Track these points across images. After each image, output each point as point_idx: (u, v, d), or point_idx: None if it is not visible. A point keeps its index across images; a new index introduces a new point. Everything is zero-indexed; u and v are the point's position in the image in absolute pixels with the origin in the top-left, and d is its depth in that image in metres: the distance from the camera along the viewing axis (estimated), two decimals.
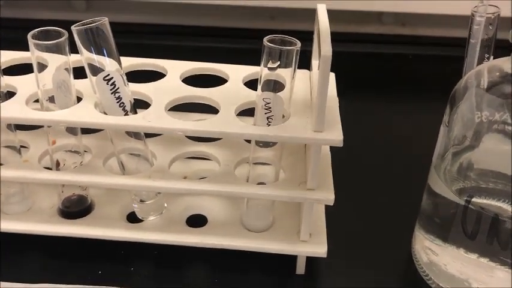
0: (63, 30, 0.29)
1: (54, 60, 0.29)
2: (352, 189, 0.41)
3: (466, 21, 0.32)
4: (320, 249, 0.32)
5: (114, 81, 0.29)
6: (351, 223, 0.38)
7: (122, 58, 0.30)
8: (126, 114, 0.30)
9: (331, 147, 0.35)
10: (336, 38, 0.70)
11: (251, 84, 0.34)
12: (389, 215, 0.38)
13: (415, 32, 0.66)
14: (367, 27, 0.66)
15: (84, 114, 0.30)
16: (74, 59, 0.30)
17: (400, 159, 0.44)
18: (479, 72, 0.30)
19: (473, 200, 0.30)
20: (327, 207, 0.35)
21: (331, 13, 0.67)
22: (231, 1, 0.61)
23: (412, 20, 0.66)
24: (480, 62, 0.32)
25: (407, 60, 0.62)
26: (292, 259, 0.34)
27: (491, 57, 0.32)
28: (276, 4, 0.61)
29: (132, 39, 0.62)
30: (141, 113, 0.30)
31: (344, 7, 0.61)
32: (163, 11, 0.64)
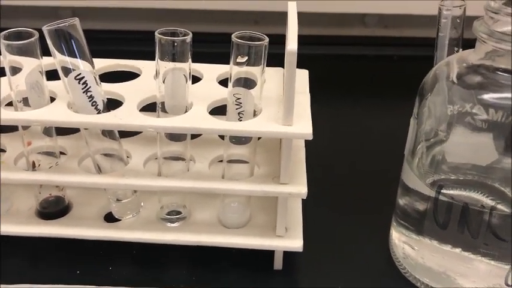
0: (34, 31, 0.29)
1: (27, 63, 0.30)
2: (331, 185, 0.41)
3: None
4: (295, 244, 0.32)
5: (86, 80, 0.29)
6: (329, 219, 0.38)
7: (97, 59, 0.31)
8: (98, 113, 0.30)
9: (309, 143, 0.35)
10: (320, 41, 0.70)
11: (226, 83, 0.34)
12: (368, 209, 0.39)
13: (398, 34, 0.67)
14: (350, 29, 0.67)
15: (57, 113, 0.30)
16: (47, 62, 0.31)
17: (380, 155, 0.44)
18: (448, 64, 0.31)
19: (444, 191, 0.30)
20: (304, 203, 0.35)
21: (315, 16, 0.67)
22: (214, 5, 0.61)
23: (395, 21, 0.66)
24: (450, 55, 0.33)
25: (392, 61, 0.63)
26: (270, 255, 0.34)
27: (460, 49, 0.32)
28: (260, 8, 0.62)
29: (118, 45, 0.62)
30: (113, 111, 0.30)
31: (328, 9, 0.61)
32: (147, 17, 0.65)
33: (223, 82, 0.35)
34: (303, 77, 0.35)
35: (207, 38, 0.64)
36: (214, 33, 0.64)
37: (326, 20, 0.65)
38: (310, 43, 0.64)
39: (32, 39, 0.29)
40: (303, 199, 0.35)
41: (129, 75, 0.35)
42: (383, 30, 0.67)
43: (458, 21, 0.32)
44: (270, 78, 0.34)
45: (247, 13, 0.64)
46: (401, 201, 0.33)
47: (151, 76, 0.34)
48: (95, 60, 0.31)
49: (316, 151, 0.37)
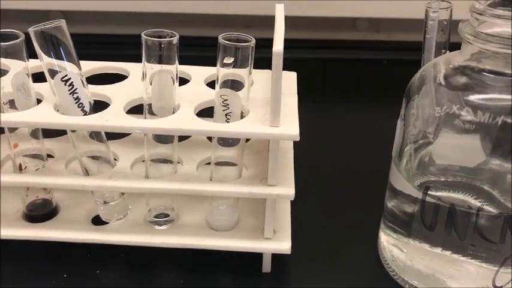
0: (20, 33, 0.29)
1: (13, 65, 0.30)
2: (319, 187, 0.41)
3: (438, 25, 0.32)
4: (284, 246, 0.32)
5: (72, 82, 0.29)
6: (317, 221, 0.38)
7: (85, 62, 0.31)
8: (85, 114, 0.30)
9: (298, 146, 0.35)
10: (312, 44, 0.70)
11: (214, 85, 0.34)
12: (356, 212, 0.39)
13: (389, 38, 0.67)
14: (342, 33, 0.67)
15: (43, 114, 0.30)
16: (33, 64, 0.31)
17: (369, 157, 0.44)
18: (435, 65, 0.31)
19: (431, 192, 0.30)
20: (293, 205, 0.35)
21: (307, 20, 0.67)
22: (205, 10, 0.61)
23: (386, 25, 0.67)
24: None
25: (382, 65, 0.63)
26: (258, 258, 0.34)
27: (448, 51, 0.32)
28: (251, 12, 0.62)
29: (109, 49, 0.62)
30: (100, 112, 0.30)
31: (319, 13, 0.62)
32: (138, 21, 0.65)
33: (211, 84, 0.34)
34: (291, 78, 0.35)
35: (198, 42, 0.64)
36: (205, 37, 0.64)
37: (318, 24, 0.66)
38: (301, 47, 0.64)
39: (17, 40, 0.29)
40: (291, 201, 0.35)
41: (116, 78, 0.35)
42: (374, 34, 0.67)
43: (445, 23, 0.32)
44: (258, 80, 0.34)
45: (239, 17, 0.64)
46: (390, 203, 0.33)
47: (138, 78, 0.34)
48: (82, 62, 0.30)
49: (305, 153, 0.37)
